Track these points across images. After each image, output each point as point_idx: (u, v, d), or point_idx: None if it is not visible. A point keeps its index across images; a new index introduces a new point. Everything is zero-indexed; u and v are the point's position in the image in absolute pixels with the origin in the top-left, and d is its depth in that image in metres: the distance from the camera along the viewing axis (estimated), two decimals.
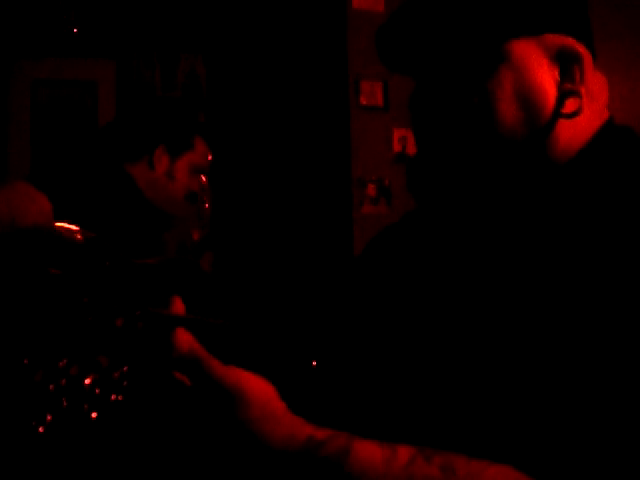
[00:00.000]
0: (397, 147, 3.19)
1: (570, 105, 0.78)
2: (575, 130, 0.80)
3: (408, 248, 0.93)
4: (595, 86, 0.82)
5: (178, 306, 0.74)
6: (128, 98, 3.24)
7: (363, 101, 3.16)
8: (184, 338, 0.68)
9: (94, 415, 0.65)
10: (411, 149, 3.16)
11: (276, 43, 3.21)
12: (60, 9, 3.08)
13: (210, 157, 2.21)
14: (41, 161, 3.07)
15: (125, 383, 0.69)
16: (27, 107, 3.11)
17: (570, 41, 0.79)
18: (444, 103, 0.82)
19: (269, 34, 3.21)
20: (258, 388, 0.69)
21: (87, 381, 0.65)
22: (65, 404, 0.62)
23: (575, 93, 0.78)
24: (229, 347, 0.72)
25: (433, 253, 0.88)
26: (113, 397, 0.68)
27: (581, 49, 0.79)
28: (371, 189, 3.17)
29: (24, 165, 3.05)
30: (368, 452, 0.66)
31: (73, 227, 0.89)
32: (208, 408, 0.68)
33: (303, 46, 3.17)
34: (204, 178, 2.77)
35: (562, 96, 0.78)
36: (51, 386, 0.59)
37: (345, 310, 0.95)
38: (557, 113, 0.78)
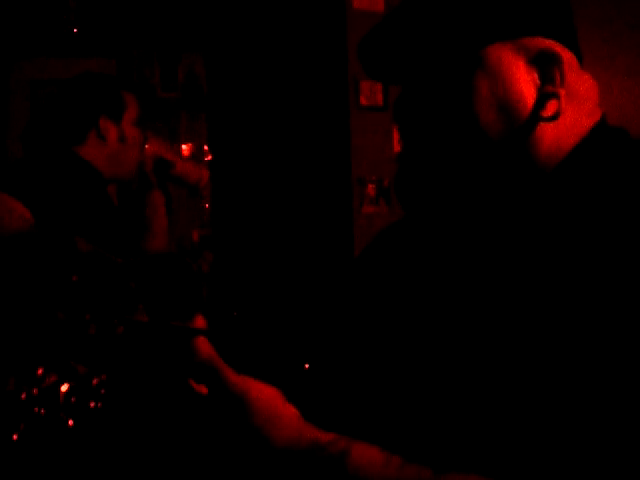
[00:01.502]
0: (397, 147, 3.18)
1: (550, 108, 0.78)
2: (560, 133, 0.79)
3: (405, 252, 0.93)
4: (582, 87, 0.81)
5: (199, 321, 0.78)
6: None
7: (363, 101, 3.15)
8: (204, 346, 0.74)
9: (71, 423, 0.66)
10: None
11: (276, 43, 3.21)
12: (60, 9, 3.09)
13: (210, 157, 2.22)
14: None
15: (103, 391, 0.69)
16: (27, 107, 3.12)
17: (549, 43, 0.78)
18: (424, 111, 0.83)
19: (269, 34, 3.21)
20: (266, 395, 0.73)
21: (63, 389, 0.65)
22: (39, 412, 0.62)
23: (555, 95, 0.78)
24: (222, 352, 0.75)
25: (428, 257, 0.88)
26: (92, 404, 0.68)
27: (561, 51, 0.78)
28: (371, 189, 3.16)
29: None
30: (367, 453, 0.69)
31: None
32: (219, 412, 0.72)
33: (303, 46, 3.17)
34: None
35: (542, 99, 0.78)
36: (23, 395, 0.60)
37: (342, 312, 0.95)
38: (536, 116, 0.78)
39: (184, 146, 3.28)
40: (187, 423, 0.76)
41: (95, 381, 0.69)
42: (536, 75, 0.78)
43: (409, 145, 0.86)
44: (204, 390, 0.74)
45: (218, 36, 3.25)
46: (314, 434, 0.71)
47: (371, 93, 3.16)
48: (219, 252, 3.20)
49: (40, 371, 0.63)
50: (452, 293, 0.80)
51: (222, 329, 0.78)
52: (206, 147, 3.30)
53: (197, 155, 3.29)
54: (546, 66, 0.78)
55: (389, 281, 0.91)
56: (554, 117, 0.78)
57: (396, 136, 3.19)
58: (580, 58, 0.83)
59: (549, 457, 0.64)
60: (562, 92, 0.78)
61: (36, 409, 0.60)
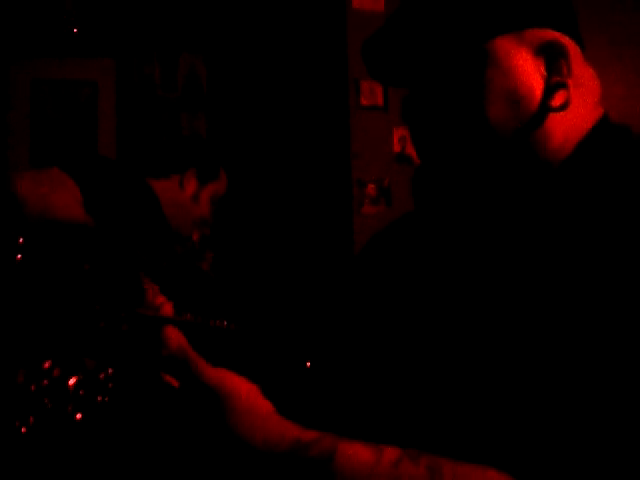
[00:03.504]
0: (397, 147, 3.18)
1: (559, 98, 0.78)
2: (568, 124, 0.79)
3: (407, 248, 0.93)
4: (586, 79, 0.81)
5: (167, 308, 0.74)
6: (128, 98, 3.25)
7: (363, 101, 3.16)
8: (173, 336, 0.69)
9: (79, 416, 0.65)
10: (411, 149, 3.15)
11: (276, 43, 3.21)
12: (60, 9, 3.09)
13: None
14: (41, 161, 3.08)
15: (111, 385, 0.69)
16: (27, 107, 3.12)
17: (554, 34, 0.78)
18: (434, 108, 0.82)
19: (269, 34, 3.21)
20: (243, 389, 0.69)
21: (71, 382, 0.65)
22: (48, 405, 0.62)
23: (563, 85, 0.78)
24: (218, 348, 0.73)
25: (432, 254, 0.88)
26: (99, 398, 0.68)
27: (566, 42, 0.78)
28: (371, 189, 3.16)
29: (24, 165, 3.05)
30: (354, 453, 0.65)
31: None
32: (194, 408, 0.68)
33: (303, 46, 3.17)
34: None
35: (550, 89, 0.78)
36: (32, 387, 0.59)
37: (342, 310, 0.95)
38: (545, 106, 0.78)
39: None
40: (169, 420, 0.72)
41: (102, 375, 0.68)
42: (542, 67, 0.78)
43: (421, 144, 0.86)
44: (175, 383, 0.70)
45: (218, 36, 3.25)
46: (296, 432, 0.67)
47: (371, 93, 3.16)
48: (219, 252, 3.20)
49: (48, 364, 0.62)
50: (456, 288, 0.80)
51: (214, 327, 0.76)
52: None
53: None
54: (552, 57, 0.78)
55: (392, 278, 0.91)
56: (563, 107, 0.78)
57: (396, 136, 3.19)
58: (583, 49, 0.82)
59: (550, 450, 0.64)
60: (570, 82, 0.78)
61: (46, 400, 0.60)
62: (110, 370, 0.68)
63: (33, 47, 3.08)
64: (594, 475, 0.61)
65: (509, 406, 0.67)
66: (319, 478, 0.65)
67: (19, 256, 0.73)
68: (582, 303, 0.66)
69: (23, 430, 0.59)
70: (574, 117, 0.79)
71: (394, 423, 0.75)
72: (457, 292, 0.80)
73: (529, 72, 0.78)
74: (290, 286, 2.91)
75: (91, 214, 1.44)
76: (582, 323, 0.65)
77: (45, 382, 0.59)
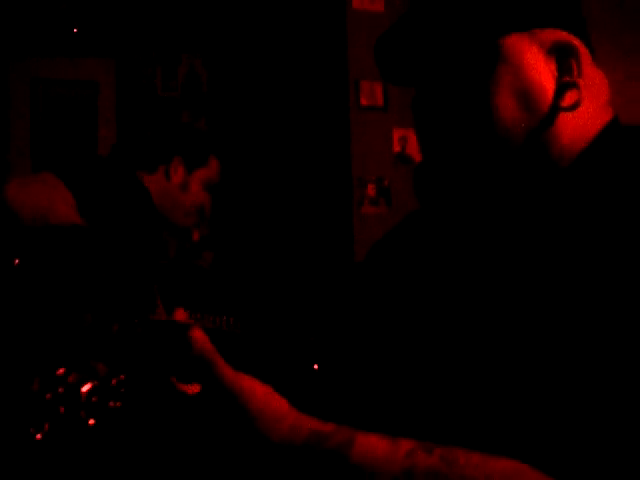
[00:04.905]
0: (397, 147, 3.19)
1: (569, 98, 0.78)
2: (577, 125, 0.79)
3: (412, 249, 0.93)
4: (596, 80, 0.82)
5: (179, 313, 0.75)
6: (128, 98, 3.25)
7: (363, 101, 3.16)
8: (200, 338, 0.70)
9: (91, 422, 0.65)
10: (411, 149, 3.16)
11: (276, 43, 3.21)
12: (60, 8, 3.08)
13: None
14: (41, 161, 3.08)
15: (123, 390, 0.69)
16: (27, 107, 3.12)
17: (565, 35, 0.79)
18: (445, 105, 0.82)
19: (269, 34, 3.21)
20: (259, 390, 0.70)
21: (84, 389, 0.65)
22: (62, 412, 0.62)
23: (574, 85, 0.78)
24: (230, 351, 0.73)
25: (437, 254, 0.88)
26: (111, 404, 0.68)
27: (577, 43, 0.79)
28: (371, 189, 3.16)
29: (24, 165, 3.05)
30: (371, 444, 0.66)
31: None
32: (212, 409, 0.69)
33: (303, 46, 3.17)
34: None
35: (560, 89, 0.78)
36: (48, 395, 0.60)
37: (348, 310, 0.95)
38: (556, 106, 0.78)
39: None
40: (181, 424, 0.73)
41: (114, 381, 0.69)
42: (553, 66, 0.79)
43: (429, 139, 0.86)
44: (189, 390, 0.70)
45: (218, 36, 3.25)
46: (313, 424, 0.68)
47: (371, 93, 3.16)
48: (219, 252, 3.20)
49: (62, 371, 0.63)
50: (465, 287, 0.81)
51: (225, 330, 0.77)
52: None
53: None
54: (563, 57, 0.78)
55: (398, 280, 0.91)
56: (574, 107, 0.78)
57: (396, 136, 3.19)
58: (592, 52, 0.83)
59: (554, 444, 0.64)
60: (580, 82, 0.78)
61: (61, 408, 0.60)
62: (122, 376, 0.68)
63: (33, 46, 3.08)
64: (601, 463, 0.61)
65: (518, 399, 0.67)
66: (337, 468, 0.65)
67: (16, 261, 0.74)
68: (587, 300, 0.67)
69: (38, 437, 0.59)
70: (584, 117, 0.80)
71: (404, 421, 0.75)
72: (466, 290, 0.80)
73: (540, 71, 0.78)
74: (289, 286, 2.91)
75: (85, 216, 1.45)
76: (588, 318, 0.66)
77: (60, 390, 0.60)
